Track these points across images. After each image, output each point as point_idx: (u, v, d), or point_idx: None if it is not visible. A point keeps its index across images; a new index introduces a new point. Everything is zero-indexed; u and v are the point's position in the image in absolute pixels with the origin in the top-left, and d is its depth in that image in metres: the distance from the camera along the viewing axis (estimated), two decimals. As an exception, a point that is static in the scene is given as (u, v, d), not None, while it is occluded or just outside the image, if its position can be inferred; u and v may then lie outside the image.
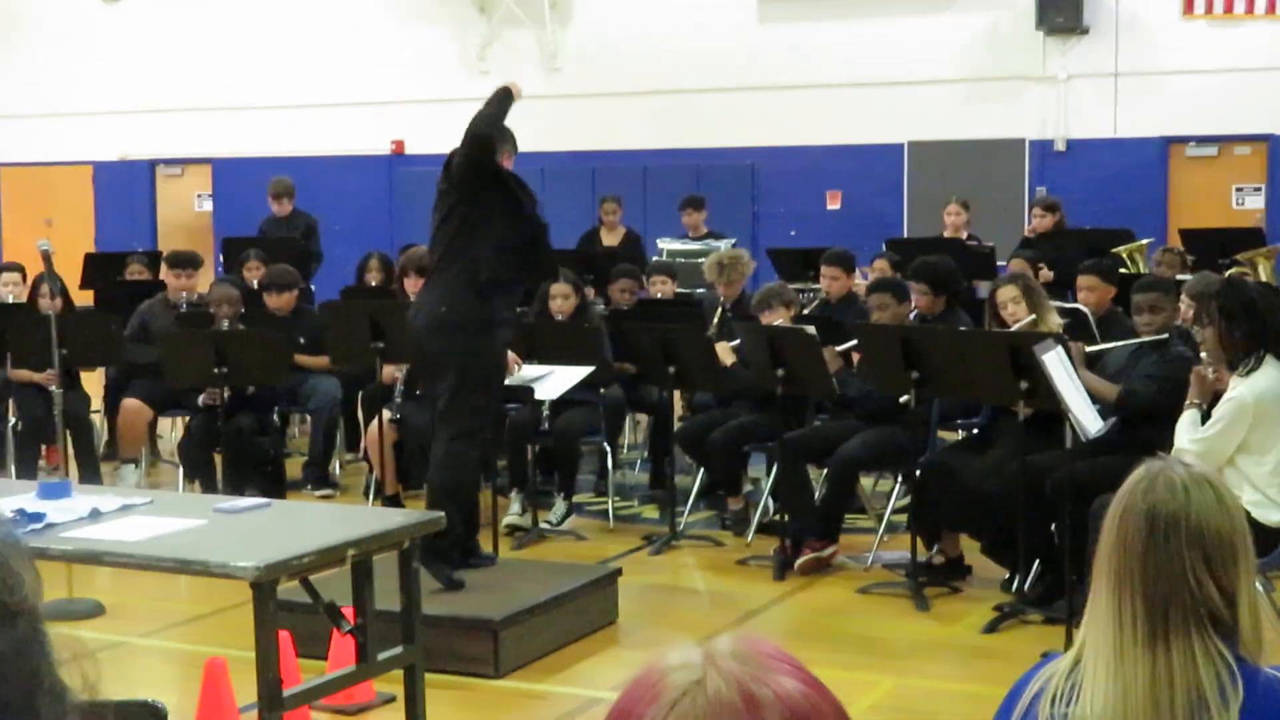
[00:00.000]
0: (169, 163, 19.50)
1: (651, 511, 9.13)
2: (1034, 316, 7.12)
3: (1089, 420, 6.18)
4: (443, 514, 5.08)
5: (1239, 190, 15.24)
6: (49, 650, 1.16)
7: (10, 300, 10.51)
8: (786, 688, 1.21)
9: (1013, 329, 7.04)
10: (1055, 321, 7.27)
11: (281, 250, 11.56)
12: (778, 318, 8.20)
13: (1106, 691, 2.33)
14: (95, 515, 4.82)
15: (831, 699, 1.24)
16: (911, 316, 8.29)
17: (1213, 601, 2.35)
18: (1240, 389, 5.77)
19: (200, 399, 8.96)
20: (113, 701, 1.23)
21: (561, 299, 8.81)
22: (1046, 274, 10.40)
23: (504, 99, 6.74)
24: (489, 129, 6.60)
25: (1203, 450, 5.64)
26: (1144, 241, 11.68)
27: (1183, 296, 7.61)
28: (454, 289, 6.42)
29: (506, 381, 7.28)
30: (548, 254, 6.86)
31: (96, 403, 10.21)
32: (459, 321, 6.40)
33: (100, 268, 12.61)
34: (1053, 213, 12.11)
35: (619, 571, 7.00)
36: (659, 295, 10.32)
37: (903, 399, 7.16)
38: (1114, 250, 10.88)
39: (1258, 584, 2.50)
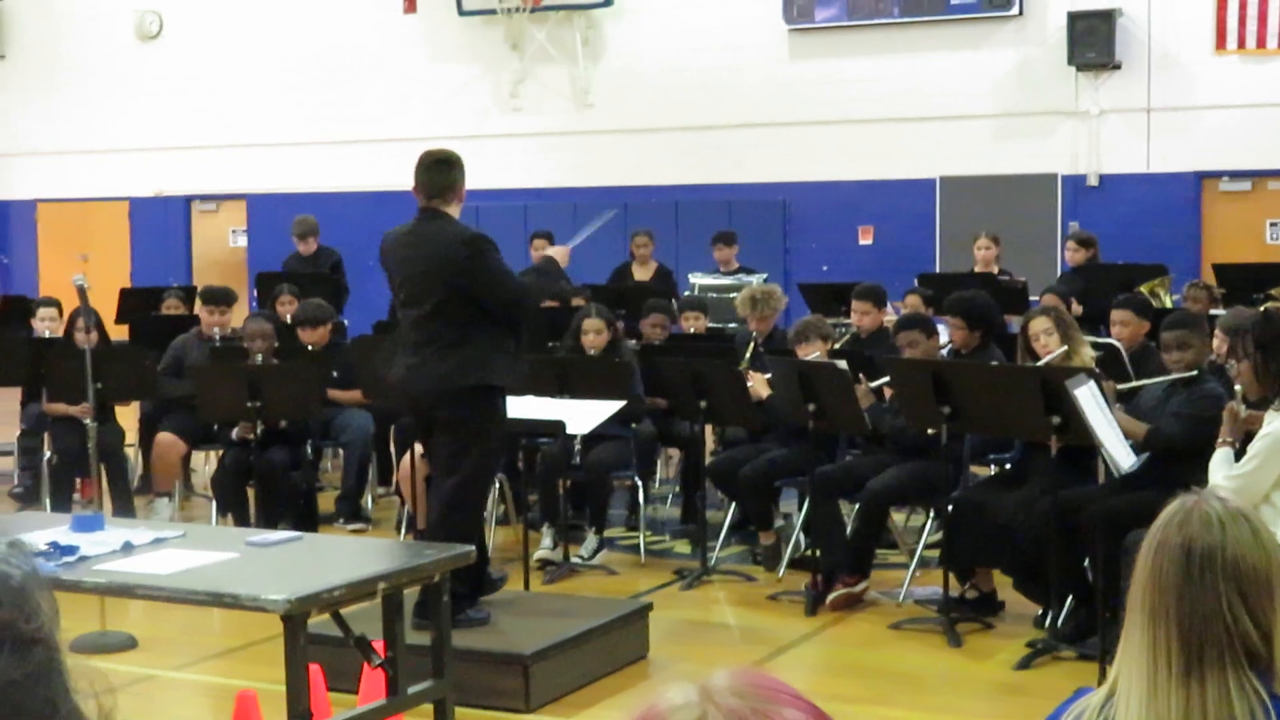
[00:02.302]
0: (204, 198, 19.65)
1: (683, 546, 9.12)
2: (1066, 348, 7.09)
3: (1122, 455, 6.15)
4: (472, 548, 5.07)
5: (1273, 225, 15.16)
6: (66, 679, 1.17)
7: (47, 334, 10.60)
8: (790, 718, 1.19)
9: (1045, 360, 7.02)
10: (1088, 354, 7.24)
11: (314, 285, 11.63)
12: (814, 351, 8.18)
13: (1140, 726, 2.31)
14: (128, 548, 4.84)
15: None
16: (945, 351, 8.26)
17: (1248, 637, 2.33)
18: (1276, 424, 5.72)
19: (234, 433, 9.00)
20: None
21: (594, 334, 8.82)
22: (1076, 308, 10.36)
23: (555, 275, 6.81)
24: (535, 306, 6.70)
25: (1239, 487, 5.59)
26: (1167, 277, 11.63)
27: (1217, 331, 7.57)
28: (463, 359, 6.33)
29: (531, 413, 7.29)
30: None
31: (131, 436, 10.26)
32: (471, 389, 6.32)
33: (136, 302, 12.71)
34: (1087, 248, 12.10)
35: (650, 606, 6.98)
36: (691, 330, 10.32)
37: (931, 432, 7.13)
38: (1137, 288, 10.82)
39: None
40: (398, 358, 6.53)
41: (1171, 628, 2.33)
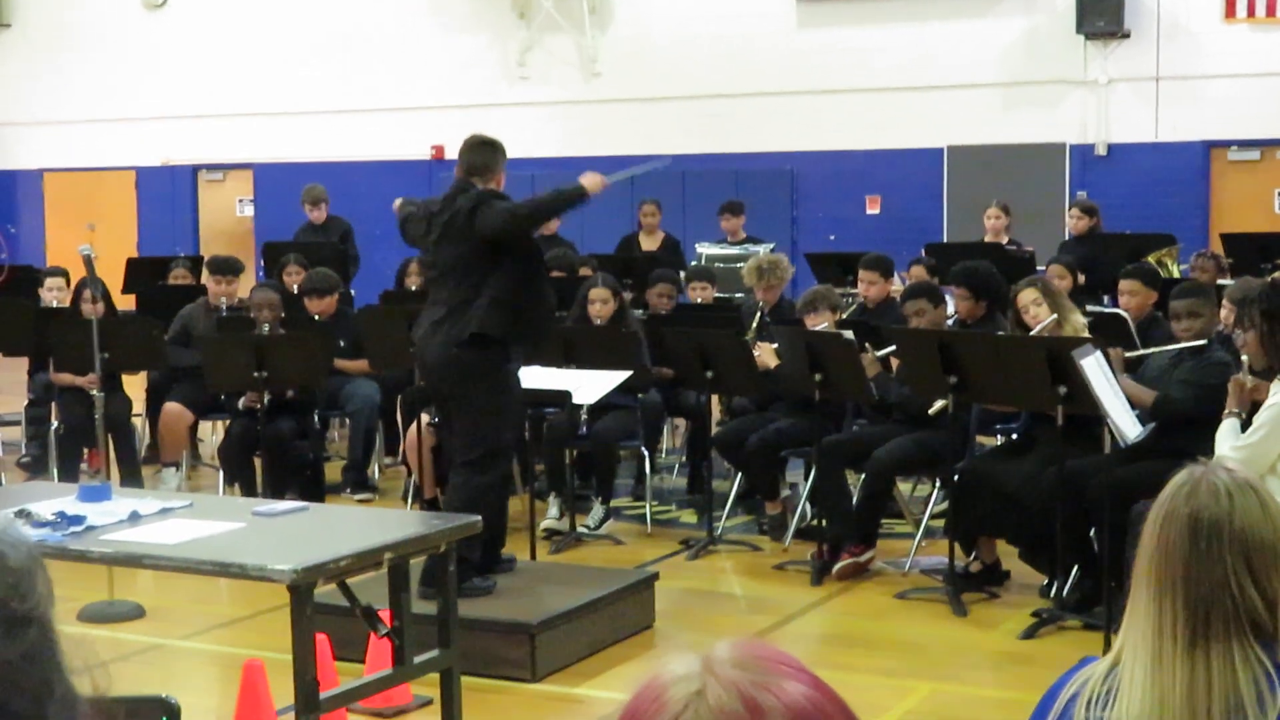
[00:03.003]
0: (211, 168, 19.63)
1: (689, 516, 9.13)
2: (1056, 316, 7.09)
3: (1128, 425, 6.14)
4: (479, 518, 5.08)
5: (1282, 194, 15.11)
6: (60, 658, 1.17)
7: (54, 304, 10.61)
8: (790, 692, 1.18)
9: (1036, 330, 7.02)
10: (1079, 321, 7.25)
11: (321, 255, 11.62)
12: (823, 321, 8.17)
13: (1143, 696, 2.31)
14: (135, 518, 4.85)
15: (839, 702, 1.21)
16: (951, 321, 8.25)
17: (1254, 608, 2.32)
18: (1282, 395, 5.71)
19: (240, 403, 9.00)
20: (125, 699, 1.24)
21: (600, 303, 8.81)
22: (1081, 278, 10.32)
23: (575, 198, 6.75)
24: (543, 217, 6.75)
25: (1245, 458, 5.58)
26: (1175, 247, 11.60)
27: (1224, 301, 7.55)
28: (464, 329, 6.38)
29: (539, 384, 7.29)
30: (545, 322, 6.78)
31: (138, 406, 10.28)
32: (472, 361, 6.36)
33: (142, 272, 12.72)
34: (1090, 216, 12.08)
35: (656, 576, 7.00)
36: (698, 300, 10.31)
37: (935, 408, 7.11)
38: (1145, 258, 10.80)
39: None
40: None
41: (1177, 598, 2.33)
